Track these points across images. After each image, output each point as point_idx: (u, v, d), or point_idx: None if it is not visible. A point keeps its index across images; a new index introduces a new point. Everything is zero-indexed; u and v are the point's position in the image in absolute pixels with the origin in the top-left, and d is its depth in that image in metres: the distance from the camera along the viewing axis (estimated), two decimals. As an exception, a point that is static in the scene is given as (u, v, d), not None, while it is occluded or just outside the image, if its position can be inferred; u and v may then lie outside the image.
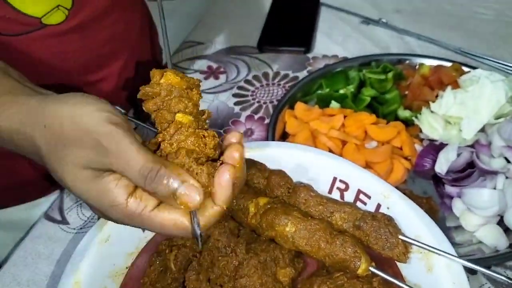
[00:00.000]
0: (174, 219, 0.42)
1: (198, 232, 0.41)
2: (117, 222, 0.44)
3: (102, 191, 0.41)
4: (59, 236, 0.70)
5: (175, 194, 0.40)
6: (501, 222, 0.66)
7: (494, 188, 0.67)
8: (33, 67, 0.68)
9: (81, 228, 0.71)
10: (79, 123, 0.42)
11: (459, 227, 0.68)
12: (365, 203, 0.57)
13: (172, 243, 0.60)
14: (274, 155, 0.61)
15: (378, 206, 0.56)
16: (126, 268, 0.55)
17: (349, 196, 0.58)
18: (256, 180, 0.57)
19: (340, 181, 0.59)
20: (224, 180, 0.42)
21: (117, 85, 0.83)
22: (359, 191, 0.58)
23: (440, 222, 0.68)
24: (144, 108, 0.44)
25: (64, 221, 0.72)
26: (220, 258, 0.58)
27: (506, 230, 0.65)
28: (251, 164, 0.59)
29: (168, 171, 0.40)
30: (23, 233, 0.73)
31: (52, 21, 0.68)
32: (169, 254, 0.59)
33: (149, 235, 0.58)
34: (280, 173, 0.57)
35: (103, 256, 0.53)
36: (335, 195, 0.59)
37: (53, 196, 0.81)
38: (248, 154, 0.61)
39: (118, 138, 0.40)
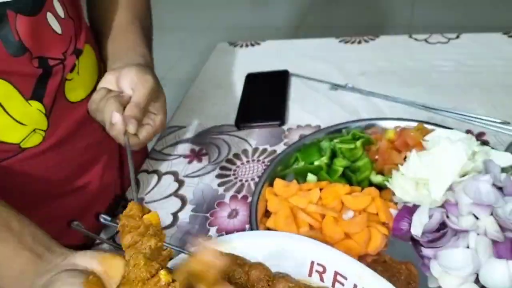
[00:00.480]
0: None
1: None
2: None
3: None
4: None
5: None
6: (478, 280, 0.69)
7: (468, 247, 0.71)
8: (13, 189, 0.73)
9: None
10: None
11: (439, 288, 0.71)
12: (342, 284, 0.61)
13: None
14: (250, 246, 0.65)
15: (354, 286, 0.60)
16: None
17: (328, 278, 0.62)
18: (237, 275, 0.61)
19: (318, 264, 0.63)
20: None
21: (100, 187, 0.88)
22: (336, 273, 0.61)
23: (421, 284, 0.72)
24: (120, 242, 0.49)
25: None
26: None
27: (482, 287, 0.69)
28: (231, 259, 0.63)
29: None
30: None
31: (30, 144, 0.74)
32: None
33: None
34: (259, 267, 0.61)
35: None
36: (315, 277, 0.63)
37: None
38: (229, 247, 0.65)
39: None
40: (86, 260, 0.52)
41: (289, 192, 0.84)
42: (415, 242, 0.77)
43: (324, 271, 0.63)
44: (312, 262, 0.63)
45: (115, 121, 0.68)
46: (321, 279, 0.63)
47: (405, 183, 0.82)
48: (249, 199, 0.90)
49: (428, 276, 0.73)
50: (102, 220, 0.75)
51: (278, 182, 0.87)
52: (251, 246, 0.65)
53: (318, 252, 0.63)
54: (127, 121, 0.68)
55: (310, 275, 0.63)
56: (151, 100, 0.74)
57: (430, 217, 0.76)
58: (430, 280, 0.73)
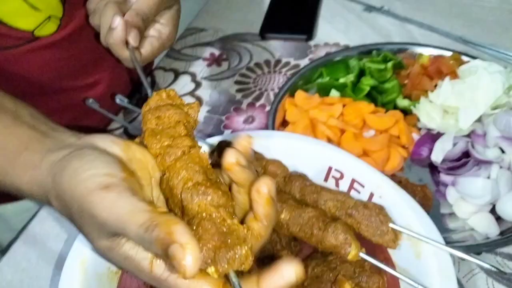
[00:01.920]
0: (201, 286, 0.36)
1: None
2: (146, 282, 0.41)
3: (124, 259, 0.39)
4: (57, 231, 0.73)
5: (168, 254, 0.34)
6: (493, 211, 0.68)
7: (488, 178, 0.69)
8: (23, 78, 0.70)
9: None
10: (75, 198, 0.39)
11: (452, 214, 0.70)
12: (358, 192, 0.59)
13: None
14: (271, 144, 0.63)
15: (371, 195, 0.58)
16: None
17: (344, 185, 0.60)
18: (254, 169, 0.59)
19: (336, 170, 0.61)
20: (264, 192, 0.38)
21: (109, 87, 0.84)
22: (353, 180, 0.60)
23: (434, 209, 0.70)
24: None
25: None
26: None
27: (497, 218, 0.67)
28: (249, 152, 0.61)
29: (159, 230, 0.34)
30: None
31: (44, 32, 0.69)
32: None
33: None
34: (277, 163, 0.59)
35: (107, 239, 0.55)
36: (331, 183, 0.61)
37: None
38: (247, 143, 0.63)
39: (110, 204, 0.37)
40: (107, 143, 0.43)
41: (310, 104, 0.81)
42: (432, 168, 0.76)
43: (341, 177, 0.61)
44: (330, 168, 0.61)
45: (115, 25, 0.57)
46: (337, 185, 0.61)
47: (432, 110, 0.79)
48: (267, 108, 0.87)
49: (441, 202, 0.72)
50: (118, 101, 0.71)
51: (300, 93, 0.83)
52: (269, 144, 0.63)
53: (337, 158, 0.61)
54: (129, 28, 0.58)
55: (326, 180, 0.61)
56: (159, 9, 0.64)
57: (454, 145, 0.73)
58: (443, 206, 0.71)
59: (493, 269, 0.49)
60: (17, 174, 0.46)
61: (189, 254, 0.32)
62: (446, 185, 0.72)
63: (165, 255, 0.33)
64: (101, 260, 0.54)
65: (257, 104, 0.88)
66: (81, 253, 0.53)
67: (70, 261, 0.53)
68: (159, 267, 0.37)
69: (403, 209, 0.55)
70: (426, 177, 0.75)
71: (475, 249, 0.65)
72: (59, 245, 0.70)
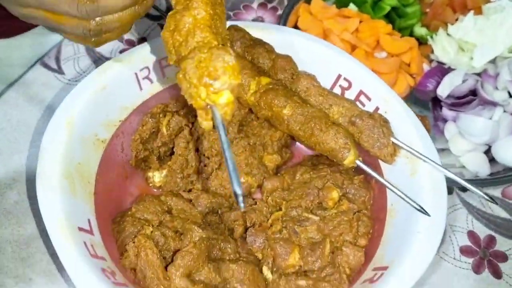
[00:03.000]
0: None
1: (238, 188, 0.34)
2: None
3: None
4: (52, 84, 0.70)
5: None
6: (487, 152, 0.68)
7: (490, 119, 0.68)
8: None
9: (76, 80, 0.70)
10: None
11: (446, 150, 0.69)
12: (364, 105, 0.57)
13: (166, 109, 0.60)
14: (283, 40, 0.59)
15: (377, 109, 0.56)
16: (119, 121, 0.56)
17: (350, 95, 0.58)
18: (262, 60, 0.56)
19: (344, 79, 0.58)
20: None
21: None
22: (361, 92, 0.57)
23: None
24: None
25: (59, 71, 0.71)
26: (211, 132, 0.59)
27: (490, 160, 0.67)
28: (259, 43, 0.58)
29: None
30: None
31: None
32: (162, 118, 0.59)
33: (146, 94, 0.58)
34: (287, 58, 0.56)
35: (98, 103, 0.53)
36: (337, 91, 0.59)
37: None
38: (257, 35, 0.60)
39: None
40: None
41: (326, 14, 0.77)
42: (435, 103, 0.74)
43: (349, 87, 0.58)
44: (339, 76, 0.59)
45: None
46: (342, 95, 0.59)
47: (448, 43, 0.76)
48: (279, 12, 0.82)
49: (437, 137, 0.71)
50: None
51: (317, 1, 0.79)
52: (281, 39, 0.59)
53: (349, 66, 0.59)
54: None
55: (332, 88, 0.59)
56: None
57: (463, 82, 0.71)
58: (438, 141, 0.70)
59: (485, 196, 0.48)
60: None
61: None
62: (445, 121, 0.71)
63: None
64: (89, 124, 0.52)
65: (269, 5, 0.83)
66: (69, 113, 0.51)
67: (57, 117, 0.50)
68: None
69: (407, 126, 0.53)
70: (426, 113, 0.74)
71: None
72: (41, 111, 0.67)
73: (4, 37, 0.77)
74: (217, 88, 0.37)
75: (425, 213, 0.46)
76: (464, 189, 0.66)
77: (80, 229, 0.45)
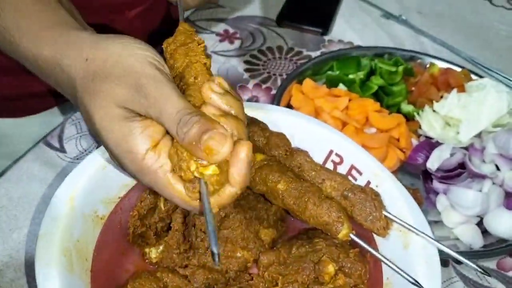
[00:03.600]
0: (183, 192, 0.42)
1: (215, 248, 0.37)
2: (129, 173, 0.44)
3: (125, 135, 0.41)
4: (55, 162, 0.72)
5: (202, 139, 0.39)
6: (480, 224, 0.69)
7: (480, 191, 0.70)
8: None
9: (77, 158, 0.72)
10: (124, 62, 0.42)
11: (439, 223, 0.71)
12: (355, 179, 0.59)
13: (165, 185, 0.62)
14: (277, 119, 0.63)
15: (368, 183, 0.58)
16: (119, 198, 0.57)
17: (342, 170, 0.60)
18: (256, 137, 0.59)
19: (336, 154, 0.61)
20: (242, 156, 0.40)
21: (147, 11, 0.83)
22: (352, 167, 0.60)
23: (422, 214, 0.71)
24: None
25: (62, 149, 0.74)
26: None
27: (483, 232, 0.68)
28: (254, 122, 0.61)
29: (203, 117, 0.40)
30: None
31: None
32: (160, 194, 0.61)
33: (144, 172, 0.60)
34: (280, 136, 0.59)
35: (99, 180, 0.54)
36: (329, 166, 0.61)
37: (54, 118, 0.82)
38: (252, 114, 0.63)
39: (161, 83, 0.41)
40: None
41: (317, 94, 0.81)
42: (425, 176, 0.76)
43: (341, 162, 0.61)
44: (331, 151, 0.61)
45: None
46: (335, 170, 0.61)
47: (434, 119, 0.80)
48: (273, 91, 0.87)
49: (429, 210, 0.72)
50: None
51: (308, 81, 0.84)
52: (274, 119, 0.63)
53: (340, 142, 0.61)
54: None
55: (324, 163, 0.61)
56: None
57: (451, 155, 0.74)
58: (431, 213, 0.72)
59: (478, 269, 0.49)
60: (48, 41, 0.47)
61: (229, 143, 0.39)
62: (436, 193, 0.73)
63: (200, 136, 0.39)
64: (90, 201, 0.54)
65: (264, 86, 0.88)
66: (71, 191, 0.53)
67: (59, 194, 0.52)
68: (152, 157, 0.41)
69: (398, 200, 0.55)
70: (418, 184, 0.76)
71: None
72: (42, 188, 0.69)
73: (13, 117, 0.81)
74: (205, 163, 0.40)
75: (420, 286, 0.47)
76: (459, 262, 0.66)
77: (77, 306, 0.45)
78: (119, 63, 0.42)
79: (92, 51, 0.43)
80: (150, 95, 0.41)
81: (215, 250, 0.37)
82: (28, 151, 0.74)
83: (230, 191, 0.43)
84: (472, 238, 0.67)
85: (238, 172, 0.41)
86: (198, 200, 0.42)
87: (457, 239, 0.68)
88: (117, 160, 0.44)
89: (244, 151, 0.41)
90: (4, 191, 0.68)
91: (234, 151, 0.41)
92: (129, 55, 0.42)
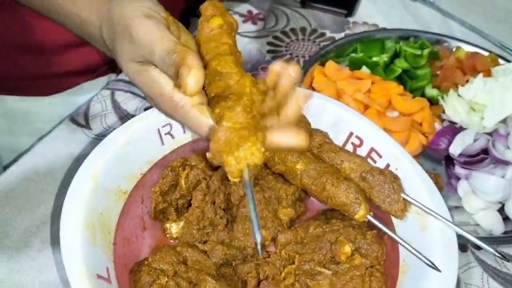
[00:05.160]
0: (210, 122, 0.44)
1: (258, 236, 0.39)
2: (165, 114, 0.48)
3: (151, 82, 0.45)
4: (80, 138, 0.74)
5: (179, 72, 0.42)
6: (501, 210, 0.68)
7: (502, 177, 0.69)
8: None
9: (102, 135, 0.74)
10: (122, 19, 0.45)
11: (459, 208, 0.70)
12: (375, 162, 0.59)
13: (185, 162, 0.63)
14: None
15: (387, 165, 0.58)
16: (141, 174, 0.59)
17: (362, 153, 0.60)
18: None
19: (356, 136, 0.61)
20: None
21: None
22: (372, 149, 0.60)
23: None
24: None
25: (87, 126, 0.76)
26: (228, 185, 0.61)
27: (504, 218, 0.67)
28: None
29: (178, 55, 0.42)
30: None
31: None
32: (182, 172, 0.62)
33: (167, 149, 0.61)
34: (300, 116, 0.59)
35: (122, 157, 0.56)
36: (349, 149, 0.61)
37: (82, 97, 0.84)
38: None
39: (147, 29, 0.44)
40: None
41: (340, 76, 0.81)
42: (447, 161, 0.75)
43: (361, 144, 0.61)
44: (351, 133, 0.61)
45: None
46: (354, 152, 0.61)
47: (459, 104, 0.78)
48: (295, 73, 0.86)
49: (450, 195, 0.72)
50: None
51: (330, 63, 0.83)
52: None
53: (361, 125, 0.61)
54: None
55: (344, 145, 0.61)
56: None
57: (474, 141, 0.73)
58: (452, 199, 0.71)
59: (498, 255, 0.48)
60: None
61: (193, 74, 0.41)
62: (458, 179, 0.72)
63: (176, 76, 0.42)
64: (113, 177, 0.55)
65: (286, 67, 0.88)
66: (95, 166, 0.54)
67: (83, 169, 0.53)
68: (179, 94, 0.44)
69: (417, 184, 0.55)
70: (439, 169, 0.75)
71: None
72: (68, 163, 0.71)
73: (38, 95, 0.83)
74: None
75: (436, 268, 0.47)
76: (478, 247, 0.66)
77: (99, 276, 0.47)
78: (120, 20, 0.46)
79: (109, 12, 0.47)
80: (140, 42, 0.44)
81: (257, 239, 0.38)
82: (55, 128, 0.76)
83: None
84: (492, 224, 0.66)
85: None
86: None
87: (478, 225, 0.67)
88: (154, 104, 0.49)
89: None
90: (32, 166, 0.70)
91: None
92: (126, 10, 0.46)
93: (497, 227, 0.66)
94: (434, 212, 0.51)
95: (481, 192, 0.68)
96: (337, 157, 0.56)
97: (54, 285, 0.58)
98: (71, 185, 0.53)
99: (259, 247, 0.39)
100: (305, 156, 0.54)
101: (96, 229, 0.51)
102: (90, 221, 0.50)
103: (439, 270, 0.47)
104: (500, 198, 0.67)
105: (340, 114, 0.62)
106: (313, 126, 0.61)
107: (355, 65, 0.84)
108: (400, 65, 0.82)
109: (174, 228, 0.61)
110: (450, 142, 0.75)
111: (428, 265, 0.47)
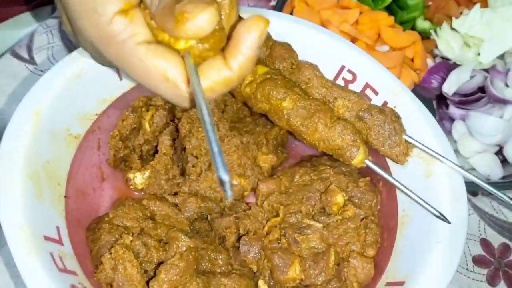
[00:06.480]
0: (164, 68, 0.33)
1: (224, 174, 0.26)
2: (90, 43, 0.35)
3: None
4: (23, 74, 0.63)
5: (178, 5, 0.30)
6: (499, 153, 0.63)
7: (500, 118, 0.63)
8: None
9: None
10: None
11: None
12: (370, 100, 0.52)
13: (150, 102, 0.54)
14: (280, 27, 0.53)
15: (385, 103, 0.50)
16: (96, 114, 0.49)
17: (355, 89, 0.52)
18: (258, 47, 0.50)
19: (348, 71, 0.53)
20: (252, 35, 0.32)
21: None
22: (367, 85, 0.52)
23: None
24: None
25: (31, 61, 0.64)
26: (200, 129, 0.53)
27: (502, 161, 0.62)
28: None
29: None
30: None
31: None
32: (145, 113, 0.53)
33: (126, 86, 0.51)
34: (286, 46, 0.51)
35: (72, 92, 0.46)
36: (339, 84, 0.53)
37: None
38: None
39: None
40: None
41: (323, 5, 0.71)
42: (440, 100, 0.69)
43: (353, 80, 0.53)
44: (343, 67, 0.53)
45: None
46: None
47: (452, 38, 0.71)
48: (272, 2, 0.77)
49: (442, 138, 0.66)
50: None
51: (313, -9, 0.73)
52: (278, 27, 0.53)
53: (353, 56, 0.53)
54: None
55: (334, 80, 0.53)
56: None
57: (471, 78, 0.66)
58: (444, 141, 0.65)
59: (507, 199, 0.43)
60: None
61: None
62: (452, 120, 0.66)
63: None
64: (61, 117, 0.46)
65: (261, -5, 0.78)
66: (37, 103, 0.44)
67: (22, 108, 0.43)
68: (121, 22, 0.33)
69: (420, 123, 0.48)
70: (430, 110, 0.68)
71: (472, 187, 0.59)
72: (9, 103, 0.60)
73: None
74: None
75: (445, 220, 0.41)
76: (475, 193, 0.61)
77: (47, 238, 0.39)
78: None
79: None
80: None
81: (224, 177, 0.26)
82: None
83: (225, 74, 0.33)
84: (490, 168, 0.61)
85: (244, 53, 0.33)
86: (185, 84, 0.33)
87: (473, 169, 0.62)
88: (76, 24, 0.35)
89: (258, 28, 0.32)
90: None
91: (245, 25, 0.32)
92: None
93: (495, 172, 0.61)
94: (440, 155, 0.44)
95: (478, 133, 0.62)
96: (330, 93, 0.48)
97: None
98: (8, 126, 0.42)
99: (227, 187, 0.26)
100: (292, 92, 0.45)
101: (42, 180, 0.42)
102: (33, 171, 0.41)
103: (448, 221, 0.41)
104: (498, 140, 0.62)
105: (329, 44, 0.53)
106: (300, 58, 0.52)
107: (340, -6, 0.75)
108: (390, -7, 0.73)
109: (138, 178, 0.52)
110: (443, 80, 0.68)
111: (436, 215, 0.41)
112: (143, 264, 0.42)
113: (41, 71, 0.63)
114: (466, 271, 0.54)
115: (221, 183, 0.27)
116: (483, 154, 0.62)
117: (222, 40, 0.33)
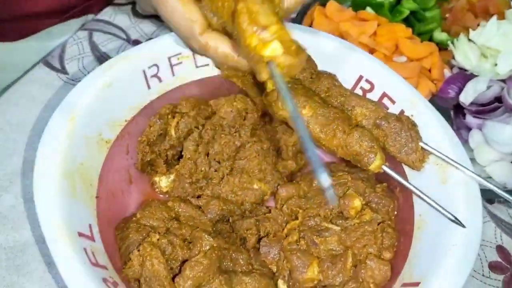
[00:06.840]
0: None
1: (324, 179, 0.25)
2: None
3: None
4: (55, 83, 0.66)
5: None
6: (514, 163, 0.64)
7: (518, 127, 0.64)
8: None
9: (80, 80, 0.66)
10: None
11: (470, 160, 0.65)
12: (387, 108, 0.53)
13: (175, 109, 0.57)
14: (302, 38, 0.55)
15: (402, 112, 0.52)
16: (125, 121, 0.52)
17: (372, 98, 0.54)
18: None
19: (366, 80, 0.55)
20: None
21: None
22: (384, 94, 0.54)
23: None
24: None
25: (63, 71, 0.68)
26: (223, 135, 0.55)
27: (518, 170, 0.63)
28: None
29: None
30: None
31: None
32: (171, 120, 0.56)
33: (154, 94, 0.54)
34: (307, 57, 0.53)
35: (103, 100, 0.49)
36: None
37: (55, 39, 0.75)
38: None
39: None
40: None
41: (342, 17, 0.74)
42: (457, 111, 0.70)
43: (371, 89, 0.55)
44: (361, 77, 0.55)
45: None
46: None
47: (469, 49, 0.72)
48: (293, 15, 0.79)
49: (459, 146, 0.67)
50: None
51: (332, 3, 0.75)
52: (299, 39, 0.56)
53: (371, 67, 0.55)
54: None
55: (352, 90, 0.55)
56: None
57: (488, 88, 0.67)
58: (461, 150, 0.67)
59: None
60: None
61: None
62: (469, 129, 0.67)
63: None
64: (93, 122, 0.49)
65: (283, 8, 0.80)
66: (73, 109, 0.47)
67: (58, 114, 0.47)
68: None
69: (436, 132, 0.49)
70: (447, 120, 0.70)
71: (489, 195, 0.60)
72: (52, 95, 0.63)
73: (6, 41, 0.74)
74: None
75: (460, 224, 0.42)
76: (491, 201, 0.62)
77: (80, 234, 0.41)
78: None
79: None
80: None
81: (325, 182, 0.26)
82: (26, 72, 0.68)
83: None
84: (506, 176, 0.62)
85: None
86: None
87: (490, 177, 0.63)
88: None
89: None
90: (2, 114, 0.63)
91: None
92: None
93: (511, 180, 0.61)
94: (456, 162, 0.46)
95: (495, 142, 0.63)
96: (348, 101, 0.50)
97: (30, 244, 0.52)
98: (46, 130, 0.46)
99: (331, 191, 0.26)
100: (312, 100, 0.48)
101: (76, 181, 0.45)
102: (69, 172, 0.44)
103: (463, 226, 0.42)
104: (515, 149, 0.62)
105: (348, 55, 0.56)
106: (319, 68, 0.54)
107: (358, 6, 0.77)
108: (408, 5, 0.75)
109: (163, 181, 0.55)
110: (460, 90, 0.69)
111: (451, 220, 0.42)
112: (169, 262, 0.44)
113: (73, 80, 0.67)
114: (482, 277, 0.54)
115: (324, 191, 0.28)
116: (499, 162, 0.63)
117: None
